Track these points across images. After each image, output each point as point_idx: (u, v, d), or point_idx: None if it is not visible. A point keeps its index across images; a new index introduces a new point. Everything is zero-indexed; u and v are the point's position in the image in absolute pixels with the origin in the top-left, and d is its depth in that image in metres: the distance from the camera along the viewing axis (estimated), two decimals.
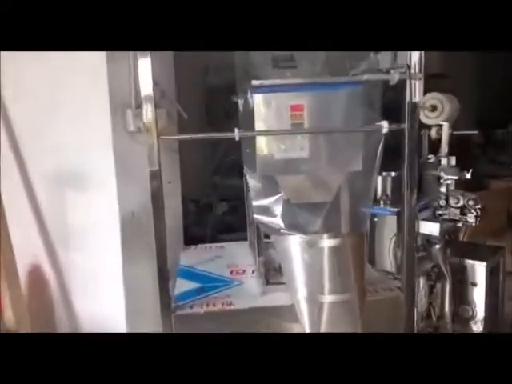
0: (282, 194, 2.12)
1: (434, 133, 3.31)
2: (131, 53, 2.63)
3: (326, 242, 2.08)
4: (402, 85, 2.12)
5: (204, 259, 2.78)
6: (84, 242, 2.98)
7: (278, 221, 2.10)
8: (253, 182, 2.14)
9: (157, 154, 2.00)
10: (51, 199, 3.00)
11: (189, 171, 3.83)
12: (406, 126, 2.09)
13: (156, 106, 2.91)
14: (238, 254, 2.78)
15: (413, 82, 2.06)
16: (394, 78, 2.05)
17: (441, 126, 3.24)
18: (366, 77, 2.03)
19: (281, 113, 2.13)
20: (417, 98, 2.08)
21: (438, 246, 3.25)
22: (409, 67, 2.04)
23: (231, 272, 2.58)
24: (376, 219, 3.36)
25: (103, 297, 3.01)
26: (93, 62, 2.62)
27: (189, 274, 2.58)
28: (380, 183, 3.33)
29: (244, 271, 2.57)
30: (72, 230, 3.00)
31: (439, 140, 3.29)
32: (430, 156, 3.29)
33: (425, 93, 3.02)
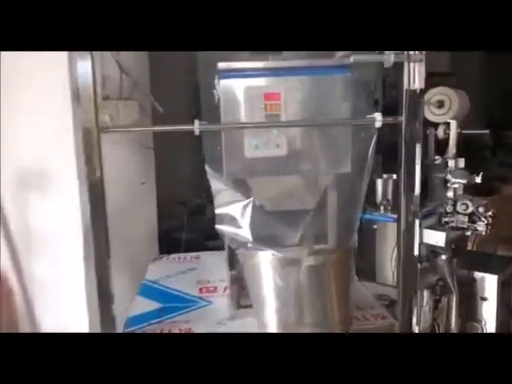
0: (250, 199, 1.64)
1: (441, 132, 2.85)
2: None
3: (305, 260, 1.62)
4: (399, 68, 1.62)
5: (174, 272, 2.33)
6: (45, 250, 2.55)
7: (244, 232, 1.63)
8: (217, 184, 1.67)
9: (98, 156, 1.50)
10: (12, 202, 2.55)
11: (177, 170, 3.38)
12: (403, 118, 1.60)
13: (127, 98, 2.55)
14: (213, 267, 2.32)
15: (412, 64, 1.58)
16: (389, 59, 1.57)
17: (448, 124, 2.76)
18: (352, 58, 1.55)
19: (253, 102, 1.70)
20: (417, 85, 1.60)
21: (443, 257, 2.80)
22: None
23: (200, 289, 2.12)
24: (375, 226, 2.93)
25: (64, 309, 2.58)
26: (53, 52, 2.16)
27: (151, 291, 2.13)
28: (380, 187, 2.87)
29: (215, 288, 2.11)
30: (33, 236, 2.56)
31: (447, 140, 2.82)
32: (436, 157, 2.80)
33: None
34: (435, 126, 2.83)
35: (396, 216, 2.48)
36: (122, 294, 2.34)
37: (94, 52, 1.98)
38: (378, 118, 1.66)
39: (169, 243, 3.02)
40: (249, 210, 1.65)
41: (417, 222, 1.93)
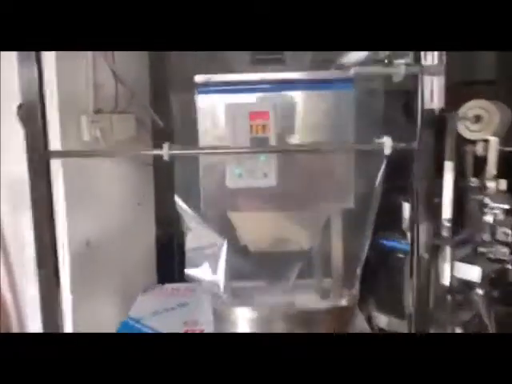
0: (226, 241, 1.33)
1: (480, 149, 2.47)
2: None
3: (293, 319, 1.30)
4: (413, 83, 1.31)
5: (162, 308, 2.05)
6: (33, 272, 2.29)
7: (219, 281, 1.32)
8: (191, 220, 1.38)
9: (46, 184, 1.24)
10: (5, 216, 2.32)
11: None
12: (416, 144, 1.28)
13: (122, 112, 2.29)
14: (207, 302, 2.00)
15: (428, 78, 1.25)
16: (399, 71, 1.24)
17: (487, 141, 2.39)
18: (352, 70, 1.24)
19: (236, 122, 1.43)
20: (435, 103, 1.27)
21: (479, 291, 2.41)
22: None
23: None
24: (401, 255, 2.56)
25: None
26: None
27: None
28: (408, 211, 2.50)
29: (202, 331, 1.79)
30: (26, 252, 2.31)
31: (486, 158, 2.45)
32: (472, 179, 2.44)
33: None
34: (473, 142, 2.46)
35: None
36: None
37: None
38: (388, 144, 1.33)
39: (168, 269, 2.73)
40: (223, 251, 1.35)
41: (448, 250, 1.84)
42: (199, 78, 1.39)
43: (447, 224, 1.86)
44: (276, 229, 1.47)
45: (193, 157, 1.44)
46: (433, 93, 1.32)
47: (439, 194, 2.02)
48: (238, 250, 1.39)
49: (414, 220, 1.52)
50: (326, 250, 1.52)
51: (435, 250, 2.03)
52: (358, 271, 1.46)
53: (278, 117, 1.41)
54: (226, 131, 1.42)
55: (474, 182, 2.39)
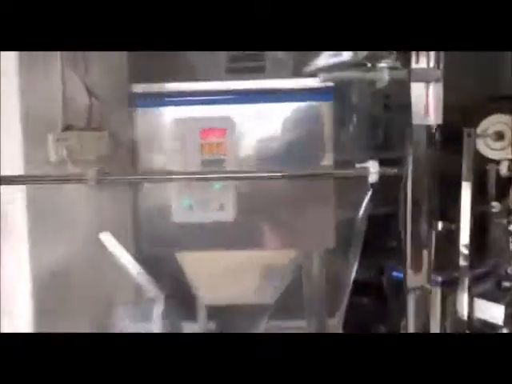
0: (162, 295, 1.04)
1: (504, 169, 2.16)
2: (58, 57, 1.80)
3: None
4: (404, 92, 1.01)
5: None
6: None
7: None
8: (127, 263, 1.09)
9: None
10: None
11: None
12: (406, 170, 0.98)
13: (97, 128, 2.04)
14: None
15: (421, 85, 0.95)
16: (383, 76, 0.93)
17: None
18: (321, 77, 0.94)
19: (184, 141, 1.17)
20: (431, 119, 0.96)
21: (504, 331, 2.09)
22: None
23: None
24: None
25: None
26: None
27: None
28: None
29: None
30: None
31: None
32: (494, 203, 2.13)
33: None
34: (495, 161, 2.16)
35: (439, 279, 1.93)
36: None
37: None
38: (373, 169, 1.03)
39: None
40: (159, 311, 1.05)
41: (466, 282, 1.45)
42: (138, 88, 1.11)
43: (465, 251, 1.56)
44: (234, 274, 1.17)
45: (132, 183, 1.15)
46: (428, 104, 0.99)
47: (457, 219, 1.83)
48: (186, 301, 1.09)
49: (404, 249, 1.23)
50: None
51: (453, 283, 1.83)
52: (341, 315, 1.16)
53: (237, 134, 1.12)
54: (171, 151, 1.13)
55: (496, 206, 2.09)
